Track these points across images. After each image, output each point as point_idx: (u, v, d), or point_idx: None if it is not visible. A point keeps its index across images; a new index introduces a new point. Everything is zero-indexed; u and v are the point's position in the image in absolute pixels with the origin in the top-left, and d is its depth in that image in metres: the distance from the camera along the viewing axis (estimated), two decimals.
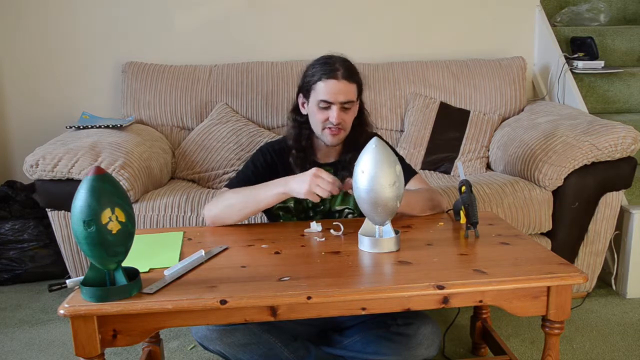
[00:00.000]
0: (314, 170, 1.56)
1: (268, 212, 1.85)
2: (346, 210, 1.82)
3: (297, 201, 1.78)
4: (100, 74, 2.84)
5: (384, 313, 1.40)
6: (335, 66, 1.70)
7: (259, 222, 2.04)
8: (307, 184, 1.54)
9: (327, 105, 1.70)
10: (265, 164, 1.80)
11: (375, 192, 1.42)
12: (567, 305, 1.36)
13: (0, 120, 2.84)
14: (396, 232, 1.50)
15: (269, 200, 1.64)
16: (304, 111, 1.79)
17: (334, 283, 1.34)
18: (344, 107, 1.70)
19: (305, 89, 1.75)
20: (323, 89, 1.69)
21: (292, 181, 1.59)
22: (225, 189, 1.80)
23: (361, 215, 1.60)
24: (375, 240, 1.48)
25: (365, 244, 1.49)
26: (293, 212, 1.80)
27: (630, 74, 2.92)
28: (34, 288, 2.53)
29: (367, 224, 1.53)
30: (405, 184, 1.79)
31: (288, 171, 1.74)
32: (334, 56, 1.74)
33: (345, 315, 1.57)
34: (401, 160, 1.89)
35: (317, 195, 1.55)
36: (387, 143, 1.87)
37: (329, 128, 1.71)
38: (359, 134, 1.79)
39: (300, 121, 1.80)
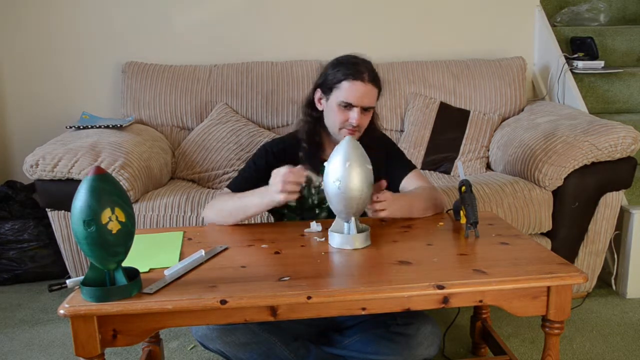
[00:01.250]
0: (276, 173, 1.55)
1: (272, 211, 1.86)
2: None
3: (300, 199, 1.77)
4: (100, 74, 2.84)
5: (384, 313, 1.40)
6: (361, 68, 1.68)
7: (260, 222, 2.04)
8: (282, 193, 1.53)
9: (348, 106, 1.68)
10: (266, 166, 1.77)
11: (343, 189, 1.44)
12: (567, 305, 1.36)
13: (0, 120, 2.84)
14: (365, 229, 1.52)
15: (256, 209, 1.65)
16: (319, 107, 1.77)
17: (334, 283, 1.34)
18: (364, 109, 1.70)
19: (326, 86, 1.72)
20: (348, 89, 1.67)
21: (270, 191, 1.58)
22: (226, 189, 1.80)
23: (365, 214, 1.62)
24: (344, 237, 1.50)
25: (334, 241, 1.51)
26: (297, 210, 1.80)
27: (630, 74, 2.92)
28: (34, 288, 2.53)
29: (337, 221, 1.54)
30: (403, 178, 1.80)
31: None
32: (359, 57, 1.73)
33: (345, 315, 1.57)
34: (400, 154, 1.90)
35: (293, 193, 1.54)
36: (392, 141, 1.90)
37: (348, 128, 1.70)
38: (367, 135, 1.77)
39: (315, 117, 1.78)
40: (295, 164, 1.62)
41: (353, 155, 1.46)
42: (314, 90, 1.78)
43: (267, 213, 2.05)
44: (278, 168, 1.57)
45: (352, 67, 1.69)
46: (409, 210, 1.70)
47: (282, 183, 1.53)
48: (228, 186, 1.82)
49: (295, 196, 1.56)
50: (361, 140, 1.72)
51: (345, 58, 1.73)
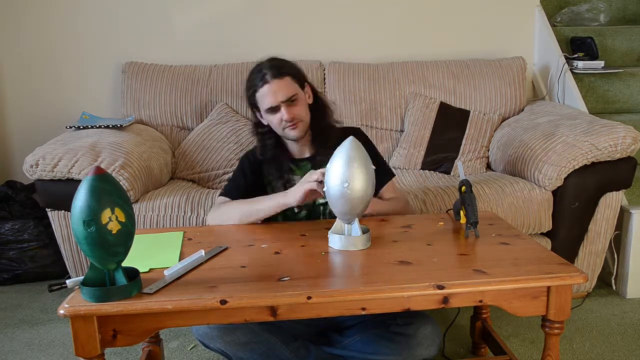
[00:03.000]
0: (305, 179, 1.63)
1: None
2: None
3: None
4: (100, 74, 2.84)
5: (384, 313, 1.40)
6: (262, 72, 1.72)
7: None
8: (299, 190, 1.62)
9: (273, 109, 1.72)
10: (251, 168, 1.85)
11: (344, 191, 1.44)
12: (567, 305, 1.36)
13: (0, 120, 2.84)
14: (366, 231, 1.52)
15: (268, 211, 1.71)
16: (264, 122, 1.81)
17: (333, 283, 1.34)
18: (289, 102, 1.72)
19: (253, 105, 1.79)
20: (261, 97, 1.73)
21: (289, 192, 1.66)
22: (222, 198, 1.85)
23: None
24: (344, 238, 1.49)
25: (335, 242, 1.51)
26: (289, 214, 1.80)
27: (630, 74, 2.92)
28: (34, 288, 2.53)
29: (337, 223, 1.54)
30: (382, 186, 1.82)
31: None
32: (261, 62, 1.76)
33: (345, 315, 1.57)
34: (376, 157, 1.86)
35: (314, 190, 1.59)
36: (367, 138, 1.91)
37: (285, 125, 1.74)
38: (321, 119, 1.81)
39: (262, 132, 1.83)
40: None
41: (356, 156, 1.45)
42: (252, 112, 1.84)
43: None
44: (313, 171, 1.64)
45: (255, 75, 1.74)
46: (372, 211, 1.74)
47: (303, 184, 1.61)
48: (222, 194, 1.87)
49: (315, 195, 1.62)
50: (322, 127, 1.79)
51: (249, 73, 1.78)
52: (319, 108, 1.83)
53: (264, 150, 1.83)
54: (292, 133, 1.75)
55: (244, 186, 1.82)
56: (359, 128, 1.94)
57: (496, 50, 2.95)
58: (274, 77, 1.71)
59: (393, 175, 1.92)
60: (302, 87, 1.78)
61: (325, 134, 1.79)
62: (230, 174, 2.45)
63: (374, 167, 1.49)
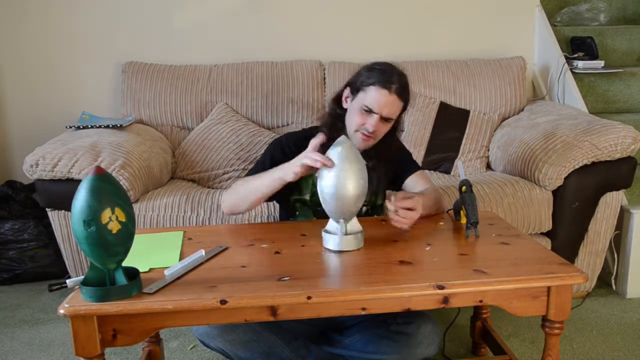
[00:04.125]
0: (304, 154, 1.56)
1: (284, 205, 1.86)
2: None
3: (314, 193, 1.77)
4: (100, 74, 2.84)
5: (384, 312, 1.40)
6: (392, 78, 1.67)
7: (260, 221, 2.04)
8: (293, 163, 1.56)
9: (369, 111, 1.68)
10: (285, 158, 1.72)
11: (338, 190, 1.43)
12: (567, 305, 1.36)
13: (0, 120, 2.84)
14: (358, 231, 1.52)
15: (267, 187, 1.63)
16: (345, 105, 1.77)
17: (334, 283, 1.34)
18: (384, 119, 1.69)
19: (355, 87, 1.72)
20: (372, 95, 1.67)
21: (284, 167, 1.60)
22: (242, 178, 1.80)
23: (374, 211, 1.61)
24: (337, 238, 1.49)
25: (327, 242, 1.50)
26: (309, 204, 1.80)
27: (630, 74, 2.92)
28: (34, 288, 2.53)
29: (331, 222, 1.54)
30: (406, 178, 1.81)
31: None
32: (396, 68, 1.72)
33: (345, 315, 1.57)
34: (408, 155, 1.92)
35: (307, 165, 1.52)
36: (403, 146, 1.93)
37: (362, 132, 1.70)
38: (385, 142, 1.78)
39: (338, 113, 1.78)
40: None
41: (347, 155, 1.45)
42: (344, 87, 1.78)
43: (274, 210, 2.05)
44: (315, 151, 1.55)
45: (384, 75, 1.68)
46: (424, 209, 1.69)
47: (300, 157, 1.54)
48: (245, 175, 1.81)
49: (306, 169, 1.54)
50: (377, 148, 1.74)
51: (381, 64, 1.73)
52: (389, 134, 1.78)
53: (333, 129, 1.73)
54: (358, 141, 1.70)
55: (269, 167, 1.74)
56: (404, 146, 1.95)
57: (496, 50, 2.95)
58: (396, 92, 1.66)
59: (419, 168, 1.88)
60: (402, 113, 1.76)
61: (378, 157, 1.74)
62: (231, 174, 2.49)
63: (364, 168, 1.48)
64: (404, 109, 1.75)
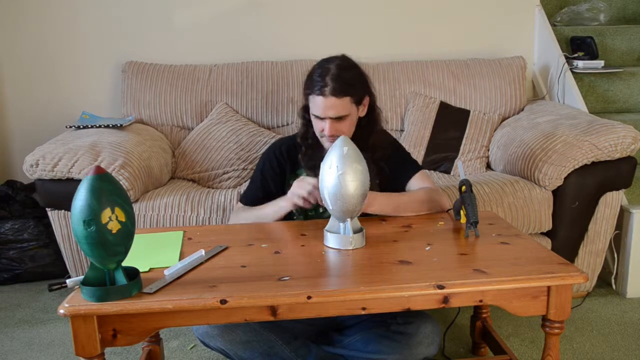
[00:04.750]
0: (294, 184, 1.66)
1: None
2: None
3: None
4: (100, 74, 2.84)
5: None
6: (325, 80, 1.65)
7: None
8: (288, 200, 1.68)
9: (320, 118, 1.70)
10: (273, 172, 1.84)
11: (339, 189, 1.44)
12: (567, 305, 1.36)
13: (0, 120, 2.84)
14: (360, 229, 1.52)
15: (272, 217, 1.75)
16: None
17: (333, 283, 1.34)
18: (337, 118, 1.68)
19: (305, 95, 1.74)
20: (313, 103, 1.69)
21: (281, 199, 1.72)
22: (240, 205, 1.88)
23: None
24: (339, 237, 1.50)
25: (330, 241, 1.51)
26: (300, 210, 1.81)
27: (630, 73, 2.92)
28: (34, 288, 2.53)
29: (332, 221, 1.54)
30: (408, 180, 1.81)
31: (297, 169, 1.82)
32: (329, 66, 1.68)
33: (345, 315, 1.57)
34: (407, 155, 1.91)
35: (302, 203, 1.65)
36: (397, 143, 1.93)
37: (326, 137, 1.72)
38: (367, 134, 1.77)
39: (308, 119, 1.79)
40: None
41: (349, 155, 1.46)
42: (304, 97, 1.79)
43: None
44: (305, 178, 1.66)
45: (313, 81, 1.68)
46: (395, 208, 1.72)
47: (293, 195, 1.66)
48: (240, 200, 1.89)
49: (303, 205, 1.66)
50: (365, 140, 1.74)
51: (314, 68, 1.72)
52: (370, 121, 1.78)
53: (306, 136, 1.79)
54: (327, 144, 1.72)
55: (261, 189, 1.83)
56: (395, 140, 1.96)
57: (496, 50, 2.95)
58: (332, 93, 1.64)
59: (419, 169, 1.87)
60: (360, 102, 1.73)
61: (366, 149, 1.72)
62: (231, 174, 2.49)
63: (365, 166, 1.49)
64: (360, 96, 1.72)
